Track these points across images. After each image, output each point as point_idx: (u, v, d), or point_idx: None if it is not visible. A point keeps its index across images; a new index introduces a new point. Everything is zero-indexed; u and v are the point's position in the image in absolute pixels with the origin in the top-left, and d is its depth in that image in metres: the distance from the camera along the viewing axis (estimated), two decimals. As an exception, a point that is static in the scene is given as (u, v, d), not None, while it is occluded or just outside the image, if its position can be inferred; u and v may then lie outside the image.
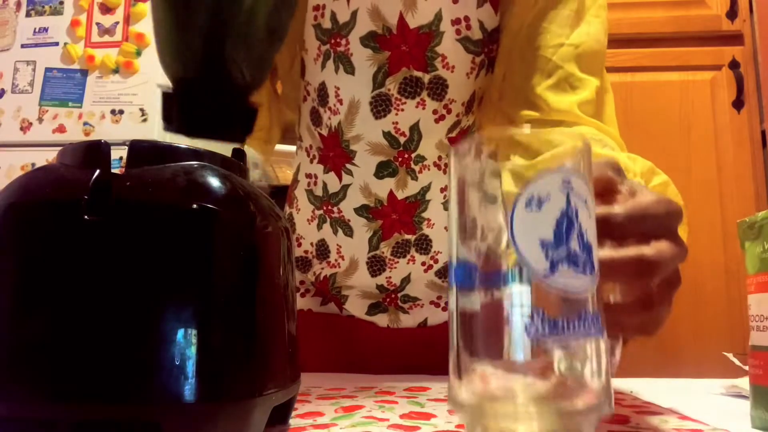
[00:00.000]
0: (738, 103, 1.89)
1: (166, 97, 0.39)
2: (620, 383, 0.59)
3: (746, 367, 0.43)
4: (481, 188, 0.30)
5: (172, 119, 0.39)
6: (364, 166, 0.69)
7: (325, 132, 0.71)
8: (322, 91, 0.69)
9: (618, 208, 0.34)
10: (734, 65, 1.90)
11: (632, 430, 0.37)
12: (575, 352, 0.27)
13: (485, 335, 0.28)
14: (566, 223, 0.27)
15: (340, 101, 0.68)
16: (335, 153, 0.70)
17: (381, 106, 0.67)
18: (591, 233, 0.28)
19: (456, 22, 0.65)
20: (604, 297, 0.32)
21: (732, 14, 1.92)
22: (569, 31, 0.65)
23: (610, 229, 0.33)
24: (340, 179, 0.71)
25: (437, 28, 0.64)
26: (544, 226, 0.27)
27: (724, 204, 1.84)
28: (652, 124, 1.85)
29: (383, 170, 0.69)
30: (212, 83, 0.38)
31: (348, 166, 0.70)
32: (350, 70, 0.66)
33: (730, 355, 0.66)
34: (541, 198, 0.27)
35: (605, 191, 0.35)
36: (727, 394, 0.54)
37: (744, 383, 0.51)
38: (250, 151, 0.83)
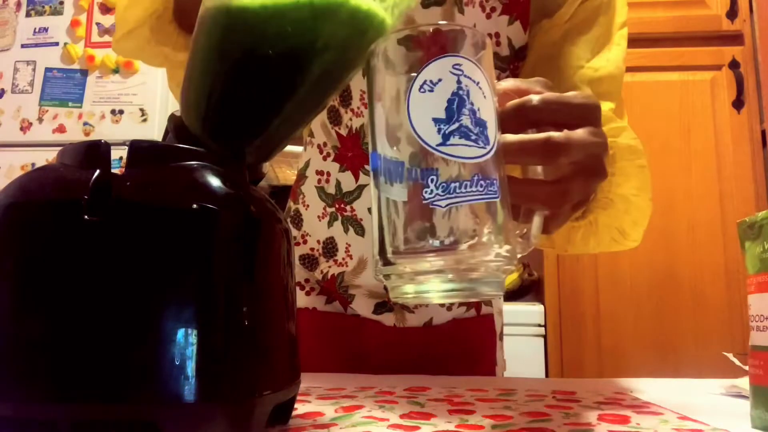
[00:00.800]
0: (738, 103, 1.89)
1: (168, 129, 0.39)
2: (620, 383, 0.59)
3: (746, 367, 0.43)
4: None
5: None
6: None
7: (344, 132, 0.70)
8: (345, 92, 0.69)
9: (534, 97, 0.36)
10: (734, 65, 1.90)
11: (632, 430, 0.37)
12: (471, 212, 0.31)
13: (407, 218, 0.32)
14: (457, 101, 0.31)
15: (365, 104, 0.68)
16: (354, 153, 0.70)
17: None
18: (485, 111, 0.32)
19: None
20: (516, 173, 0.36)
21: (732, 14, 1.92)
22: (590, 55, 0.67)
23: (525, 116, 0.35)
24: (357, 179, 0.71)
25: None
26: (436, 105, 0.31)
27: (724, 204, 1.84)
28: (652, 124, 1.85)
29: None
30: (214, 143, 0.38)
31: (367, 167, 0.70)
32: None
33: (730, 355, 0.66)
34: (432, 81, 0.31)
35: None
36: (727, 394, 0.54)
37: (744, 383, 0.51)
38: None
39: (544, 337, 1.87)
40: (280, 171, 1.77)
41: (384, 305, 0.76)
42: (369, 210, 0.71)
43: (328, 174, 0.73)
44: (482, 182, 0.31)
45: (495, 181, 0.31)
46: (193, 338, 0.28)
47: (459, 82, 0.31)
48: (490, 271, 0.31)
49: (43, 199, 0.30)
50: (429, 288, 0.32)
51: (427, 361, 0.75)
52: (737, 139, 1.87)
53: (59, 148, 0.34)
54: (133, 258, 0.28)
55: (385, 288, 0.74)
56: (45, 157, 1.93)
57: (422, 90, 0.31)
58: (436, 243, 0.31)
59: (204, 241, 0.30)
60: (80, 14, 2.05)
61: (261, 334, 0.32)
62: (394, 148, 0.32)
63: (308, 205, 0.77)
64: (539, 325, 1.86)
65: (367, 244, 0.72)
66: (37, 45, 2.05)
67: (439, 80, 0.31)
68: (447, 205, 0.30)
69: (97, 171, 0.30)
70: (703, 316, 1.81)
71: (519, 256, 0.34)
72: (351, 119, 0.69)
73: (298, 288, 0.79)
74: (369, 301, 0.76)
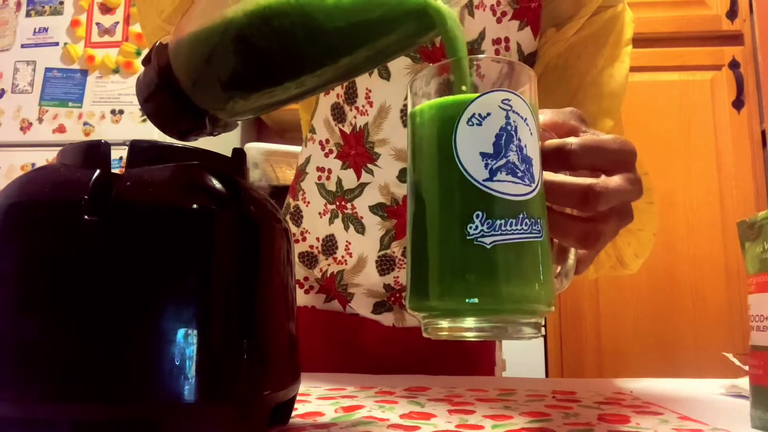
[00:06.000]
0: (738, 103, 1.89)
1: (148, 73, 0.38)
2: (620, 383, 0.59)
3: (746, 367, 0.43)
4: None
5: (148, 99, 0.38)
6: (386, 168, 0.69)
7: (348, 129, 0.70)
8: (351, 90, 0.69)
9: (572, 139, 0.36)
10: (734, 65, 1.90)
11: (632, 430, 0.37)
12: (514, 252, 0.30)
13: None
14: (505, 137, 0.31)
15: (370, 103, 0.68)
16: (357, 152, 0.70)
17: None
18: (531, 148, 0.32)
19: (496, 42, 0.66)
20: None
21: (732, 14, 1.92)
22: (596, 70, 0.68)
23: (564, 159, 0.36)
24: (359, 177, 0.71)
25: (479, 46, 0.65)
26: (485, 139, 0.30)
27: (724, 204, 1.84)
28: (652, 124, 1.85)
29: (405, 176, 0.69)
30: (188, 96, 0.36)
31: (369, 165, 0.70)
32: (386, 75, 0.66)
33: (730, 355, 0.66)
34: (481, 115, 0.31)
35: (567, 136, 0.38)
36: (727, 394, 0.54)
37: (744, 383, 0.51)
38: (251, 151, 0.82)
39: (544, 337, 1.87)
40: (279, 171, 1.77)
41: (383, 305, 0.76)
42: (369, 208, 0.71)
43: (330, 171, 0.73)
44: (527, 221, 0.30)
45: (539, 221, 0.31)
46: (192, 338, 0.28)
47: (507, 117, 0.31)
48: (528, 314, 0.31)
49: (43, 199, 0.30)
50: (465, 326, 0.31)
51: (427, 361, 0.75)
52: (737, 139, 1.87)
53: (59, 148, 0.34)
54: (133, 258, 0.28)
55: (384, 288, 0.74)
56: (45, 157, 1.93)
57: (470, 123, 0.31)
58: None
59: (204, 241, 0.30)
60: (80, 14, 2.05)
61: (261, 334, 0.32)
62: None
63: (308, 202, 0.77)
64: (539, 325, 1.86)
65: (367, 242, 0.72)
66: (37, 45, 2.05)
67: (488, 114, 0.31)
68: (491, 243, 0.29)
69: (97, 171, 0.30)
70: (703, 316, 1.81)
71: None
72: (356, 117, 0.69)
73: (297, 286, 0.79)
74: (368, 300, 0.76)
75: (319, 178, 0.75)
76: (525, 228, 0.30)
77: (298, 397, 0.39)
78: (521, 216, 0.30)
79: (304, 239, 0.78)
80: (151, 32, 0.69)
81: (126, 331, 0.28)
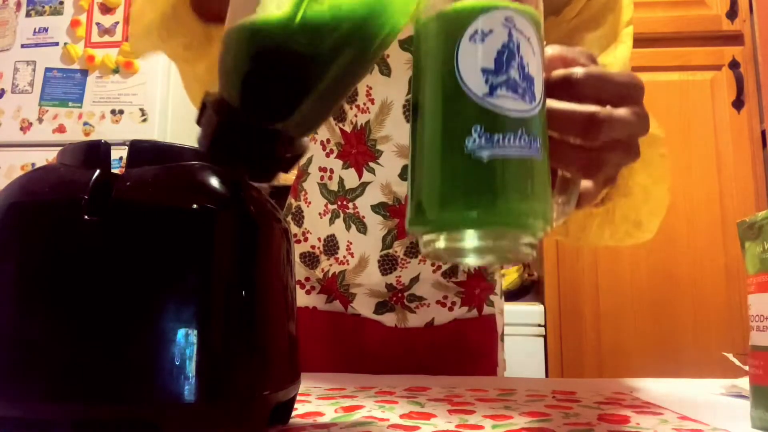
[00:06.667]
0: (738, 103, 1.89)
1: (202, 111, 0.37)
2: (620, 383, 0.59)
3: (746, 367, 0.43)
4: None
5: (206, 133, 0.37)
6: (388, 166, 0.69)
7: (348, 128, 0.70)
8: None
9: (579, 69, 0.36)
10: (734, 65, 1.90)
11: (632, 430, 0.37)
12: (512, 167, 0.30)
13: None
14: (507, 54, 0.31)
15: (372, 101, 0.68)
16: (358, 150, 0.70)
17: None
18: (533, 67, 0.31)
19: None
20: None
21: (732, 14, 1.92)
22: (598, 52, 0.67)
23: (569, 87, 0.35)
24: (361, 176, 0.71)
25: None
26: (486, 55, 0.30)
27: (724, 204, 1.84)
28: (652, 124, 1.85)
29: (407, 174, 0.69)
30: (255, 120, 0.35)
31: (371, 164, 0.70)
32: (386, 71, 0.66)
33: (730, 355, 0.66)
34: (484, 32, 0.31)
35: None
36: (727, 394, 0.54)
37: (744, 383, 0.51)
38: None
39: (544, 337, 1.87)
40: (280, 171, 1.77)
41: (385, 305, 0.76)
42: (371, 207, 0.71)
43: (331, 171, 0.73)
44: (525, 137, 0.30)
45: (538, 139, 0.31)
46: (192, 338, 0.28)
47: (510, 34, 0.31)
48: (526, 230, 0.31)
49: (43, 199, 0.30)
50: (464, 245, 0.31)
51: (429, 361, 0.75)
52: (737, 139, 1.87)
53: (59, 148, 0.34)
54: (132, 258, 0.28)
55: (386, 288, 0.74)
56: (45, 157, 1.93)
57: (473, 39, 0.31)
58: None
59: (203, 241, 0.30)
60: (80, 14, 2.05)
61: (261, 334, 0.32)
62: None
63: (310, 202, 0.76)
64: (539, 325, 1.86)
65: (369, 242, 0.72)
66: (37, 45, 2.05)
67: (491, 31, 0.31)
68: (489, 157, 0.29)
69: (97, 171, 0.30)
70: (703, 316, 1.81)
71: (555, 223, 0.33)
72: (356, 115, 0.69)
73: (298, 287, 0.79)
74: (370, 300, 0.76)
75: (321, 178, 0.75)
76: (523, 144, 0.30)
77: (298, 397, 0.39)
78: (520, 132, 0.30)
79: (305, 239, 0.78)
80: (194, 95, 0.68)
81: (126, 331, 0.28)
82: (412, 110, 0.34)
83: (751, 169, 1.86)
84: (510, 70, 0.30)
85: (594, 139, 0.35)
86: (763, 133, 1.88)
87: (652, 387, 0.56)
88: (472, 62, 0.30)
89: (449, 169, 0.31)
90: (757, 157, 1.87)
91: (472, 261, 0.32)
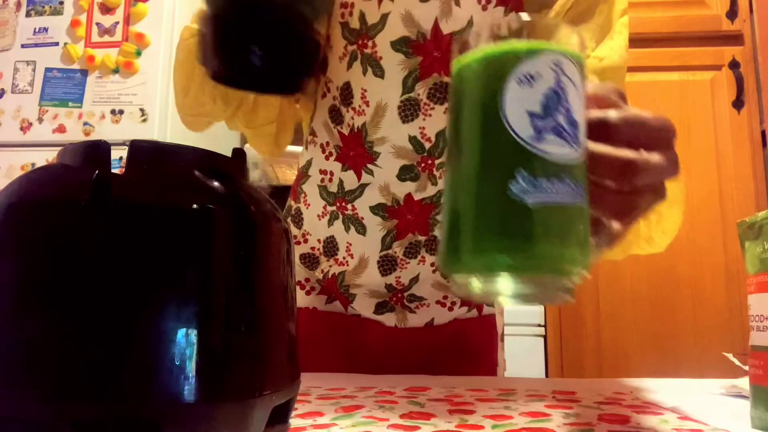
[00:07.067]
0: (738, 103, 1.89)
1: (206, 27, 0.33)
2: (620, 383, 0.59)
3: (746, 367, 0.43)
4: None
5: (213, 55, 0.33)
6: (386, 167, 0.69)
7: (346, 131, 0.70)
8: (346, 91, 0.69)
9: (614, 113, 0.36)
10: (734, 65, 1.90)
11: (632, 430, 0.37)
12: (554, 213, 0.30)
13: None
14: (554, 98, 0.30)
15: (366, 103, 0.68)
16: (356, 152, 0.70)
17: (409, 110, 0.67)
18: (578, 113, 0.31)
19: None
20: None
21: (732, 14, 1.92)
22: (594, 44, 0.67)
23: (605, 131, 0.35)
24: (360, 178, 0.71)
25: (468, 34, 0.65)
26: (533, 99, 0.30)
27: (724, 204, 1.84)
28: (652, 124, 1.85)
29: (405, 174, 0.69)
30: (263, 7, 0.32)
31: (369, 166, 0.70)
32: (380, 73, 0.66)
33: (730, 355, 0.66)
34: (531, 75, 0.30)
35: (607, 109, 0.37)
36: (727, 394, 0.54)
37: (744, 383, 0.51)
38: (251, 151, 0.82)
39: (544, 337, 1.87)
40: (280, 171, 1.77)
41: (385, 305, 0.76)
42: (370, 208, 0.71)
43: (331, 173, 0.73)
44: (570, 183, 0.30)
45: (582, 184, 0.31)
46: (192, 338, 0.28)
47: (558, 79, 0.30)
48: (564, 276, 0.31)
49: (43, 199, 0.30)
50: (500, 286, 0.30)
51: (429, 361, 0.75)
52: (737, 139, 1.87)
53: (59, 148, 0.34)
54: (132, 258, 0.28)
55: (386, 288, 0.74)
56: (45, 157, 1.93)
57: (520, 83, 0.30)
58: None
59: (204, 240, 0.30)
60: (80, 14, 2.05)
61: (261, 334, 0.32)
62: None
63: (309, 204, 0.77)
64: (539, 325, 1.86)
65: (368, 243, 0.72)
66: (37, 45, 2.05)
67: (539, 75, 0.30)
68: (533, 202, 0.29)
69: (97, 171, 0.30)
70: (703, 316, 1.81)
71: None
72: (353, 118, 0.69)
73: (298, 287, 0.79)
74: (370, 300, 0.76)
75: (322, 180, 0.75)
76: (567, 189, 0.30)
77: (298, 397, 0.39)
78: (564, 177, 0.30)
79: (305, 241, 0.78)
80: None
81: (126, 331, 0.28)
82: (450, 149, 0.33)
83: (751, 169, 1.86)
84: (556, 115, 0.30)
85: (629, 184, 0.35)
86: (763, 133, 1.88)
87: (652, 387, 0.56)
88: (519, 106, 0.30)
89: (490, 212, 0.30)
90: (757, 157, 1.87)
91: (507, 302, 0.32)
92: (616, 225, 0.37)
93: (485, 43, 0.32)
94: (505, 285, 0.30)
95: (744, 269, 0.41)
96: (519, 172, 0.29)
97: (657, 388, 0.55)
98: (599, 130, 0.35)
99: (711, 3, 1.94)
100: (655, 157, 0.35)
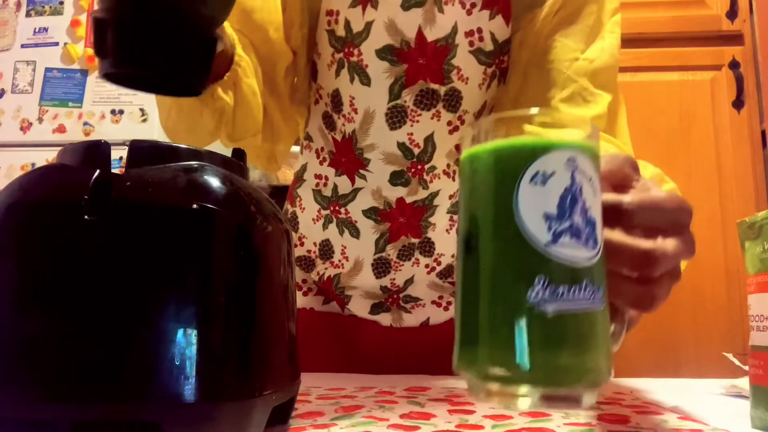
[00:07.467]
0: (738, 103, 1.89)
1: (99, 24, 0.31)
2: (620, 383, 0.59)
3: (746, 367, 0.43)
4: None
5: (107, 51, 0.31)
6: (377, 173, 0.69)
7: (339, 137, 0.71)
8: (336, 98, 0.69)
9: (629, 197, 0.35)
10: (734, 65, 1.90)
11: (632, 430, 0.37)
12: (575, 321, 0.28)
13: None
14: (570, 198, 0.29)
15: (355, 110, 0.68)
16: (348, 159, 0.70)
17: (396, 117, 0.67)
18: (595, 210, 0.30)
19: (469, 34, 0.65)
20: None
21: (732, 14, 1.92)
22: (584, 46, 0.66)
23: (620, 217, 0.34)
24: (353, 182, 0.71)
25: (453, 40, 0.65)
26: (548, 200, 0.28)
27: (724, 204, 1.84)
28: (652, 124, 1.85)
29: (396, 180, 0.69)
30: (158, 4, 0.30)
31: (362, 171, 0.70)
32: (366, 81, 0.66)
33: (730, 355, 0.66)
34: (546, 173, 0.29)
35: (620, 185, 0.36)
36: (727, 394, 0.54)
37: (744, 383, 0.51)
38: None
39: (544, 337, 1.86)
40: (280, 171, 1.77)
41: (380, 306, 0.76)
42: (363, 212, 0.71)
43: (326, 178, 0.74)
44: (590, 287, 0.28)
45: (601, 287, 0.29)
46: (193, 338, 0.28)
47: (573, 176, 0.29)
48: (586, 382, 0.29)
49: (43, 199, 0.30)
50: (519, 393, 0.29)
51: (425, 360, 0.75)
52: (737, 139, 1.87)
53: (59, 148, 0.34)
54: (132, 258, 0.28)
55: (381, 290, 0.74)
56: (45, 157, 1.93)
57: (533, 182, 0.29)
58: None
59: (204, 241, 0.30)
60: (80, 14, 2.05)
61: (261, 334, 0.32)
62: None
63: (304, 208, 0.77)
64: (539, 325, 1.86)
65: (362, 245, 0.72)
66: (37, 45, 2.05)
67: (553, 173, 0.29)
68: (552, 312, 0.27)
69: (97, 171, 0.30)
70: (703, 316, 1.81)
71: None
72: (344, 124, 0.69)
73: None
74: (365, 302, 0.76)
75: (317, 185, 0.75)
76: (587, 296, 0.28)
77: (298, 397, 0.39)
78: (584, 283, 0.28)
79: (301, 244, 0.78)
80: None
81: (126, 331, 0.28)
82: (462, 243, 0.32)
83: (751, 169, 1.86)
84: (573, 216, 0.29)
85: (648, 274, 0.34)
86: (763, 133, 1.88)
87: (652, 387, 0.56)
88: (534, 207, 0.28)
89: (507, 320, 0.28)
90: (757, 157, 1.87)
91: (524, 408, 0.30)
92: (634, 313, 0.36)
93: (495, 136, 0.31)
94: (525, 392, 0.29)
95: (744, 269, 0.41)
96: (537, 279, 0.28)
97: (657, 388, 0.55)
98: (614, 215, 0.34)
99: (711, 3, 1.94)
100: (672, 245, 0.34)
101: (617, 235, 0.34)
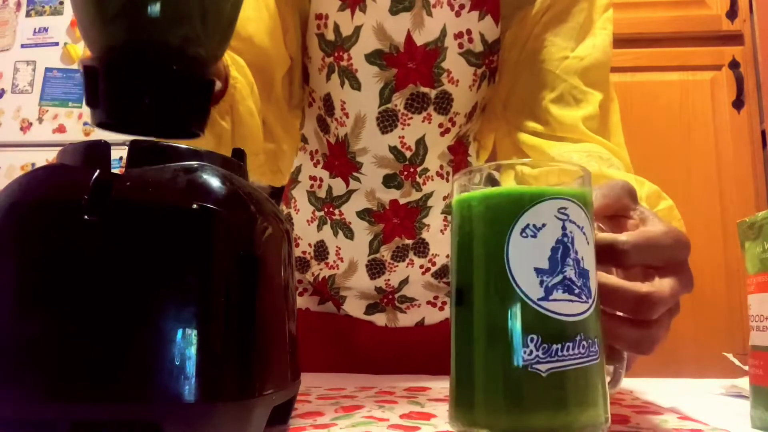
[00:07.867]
0: (738, 103, 1.89)
1: (89, 72, 0.30)
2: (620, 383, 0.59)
3: (746, 367, 0.43)
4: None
5: (98, 101, 0.31)
6: (371, 175, 0.70)
7: (332, 140, 0.71)
8: (328, 102, 0.69)
9: (624, 237, 0.34)
10: (734, 65, 1.90)
11: (632, 430, 0.37)
12: (570, 378, 0.28)
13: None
14: (561, 250, 0.28)
15: (346, 114, 0.68)
16: (341, 162, 0.70)
17: (387, 121, 0.67)
18: (588, 260, 0.29)
19: (459, 35, 0.65)
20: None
21: (732, 14, 1.92)
22: (574, 44, 0.65)
23: (615, 257, 0.34)
24: (347, 185, 0.71)
25: (442, 43, 0.64)
26: (540, 253, 0.28)
27: (724, 204, 1.84)
28: (652, 124, 1.85)
29: (390, 182, 0.69)
30: (151, 50, 0.29)
31: (355, 174, 0.70)
32: (356, 85, 0.66)
33: (730, 355, 0.66)
34: (536, 226, 0.28)
35: (617, 215, 0.36)
36: (727, 394, 0.54)
37: (744, 383, 0.51)
38: (251, 150, 0.82)
39: (544, 337, 1.86)
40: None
41: (375, 306, 0.76)
42: (357, 213, 0.71)
43: (321, 180, 0.74)
44: (584, 343, 0.28)
45: (596, 340, 0.29)
46: (193, 338, 0.28)
47: (564, 227, 0.28)
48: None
49: (43, 199, 0.30)
50: None
51: (421, 360, 0.75)
52: (737, 139, 1.87)
53: (59, 148, 0.34)
54: (133, 258, 0.28)
55: (376, 291, 0.74)
56: (45, 157, 1.93)
57: (524, 235, 0.28)
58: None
59: (204, 241, 0.30)
60: (80, 14, 2.05)
61: (261, 334, 0.32)
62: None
63: (299, 209, 0.77)
64: (539, 325, 1.86)
65: (356, 247, 0.73)
66: (37, 45, 2.05)
67: (543, 225, 0.28)
68: (548, 370, 0.27)
69: (97, 171, 0.30)
70: (703, 316, 1.81)
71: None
72: (337, 128, 0.70)
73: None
74: (360, 302, 0.76)
75: (311, 186, 0.75)
76: (582, 352, 0.28)
77: (298, 397, 0.39)
78: (578, 338, 0.28)
79: (297, 245, 0.78)
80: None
81: (126, 331, 0.28)
82: (456, 294, 0.31)
83: (751, 169, 1.86)
84: (565, 269, 0.28)
85: (647, 317, 0.34)
86: (763, 133, 1.88)
87: (652, 387, 0.56)
88: (525, 261, 0.28)
89: (501, 379, 0.28)
90: (757, 157, 1.87)
91: None
92: (633, 355, 0.36)
93: (485, 184, 0.31)
94: None
95: (744, 269, 0.41)
96: (531, 338, 0.27)
97: (657, 388, 0.55)
98: (609, 256, 0.33)
99: (711, 3, 1.93)
100: (669, 285, 0.34)
101: (613, 280, 0.33)
